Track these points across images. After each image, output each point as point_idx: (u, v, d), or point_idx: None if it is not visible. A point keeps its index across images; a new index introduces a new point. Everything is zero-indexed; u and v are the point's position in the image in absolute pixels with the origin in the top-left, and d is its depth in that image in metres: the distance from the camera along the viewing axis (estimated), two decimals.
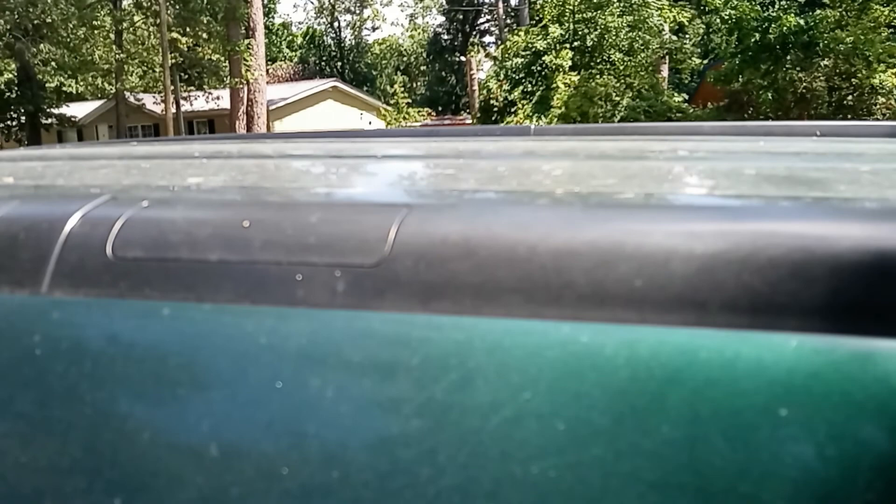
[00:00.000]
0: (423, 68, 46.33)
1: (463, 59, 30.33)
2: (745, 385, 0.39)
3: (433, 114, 27.57)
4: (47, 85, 22.19)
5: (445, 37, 44.74)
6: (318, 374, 0.44)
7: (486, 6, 42.65)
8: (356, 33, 47.81)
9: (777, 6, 14.87)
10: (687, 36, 22.36)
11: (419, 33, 47.46)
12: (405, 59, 47.25)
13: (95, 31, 20.42)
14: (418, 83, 45.37)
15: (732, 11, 13.30)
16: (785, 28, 12.62)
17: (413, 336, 0.44)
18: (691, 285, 0.41)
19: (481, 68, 23.17)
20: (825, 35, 12.57)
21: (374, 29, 50.49)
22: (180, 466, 0.45)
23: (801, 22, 12.73)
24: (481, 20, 44.00)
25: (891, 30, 13.06)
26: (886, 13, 12.72)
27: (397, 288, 0.45)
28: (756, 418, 0.38)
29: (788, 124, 1.47)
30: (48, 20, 18.41)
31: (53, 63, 20.40)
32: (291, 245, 0.48)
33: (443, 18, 45.68)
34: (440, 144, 1.19)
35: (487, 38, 42.84)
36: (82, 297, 0.50)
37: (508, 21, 35.30)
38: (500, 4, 37.28)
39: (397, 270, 0.46)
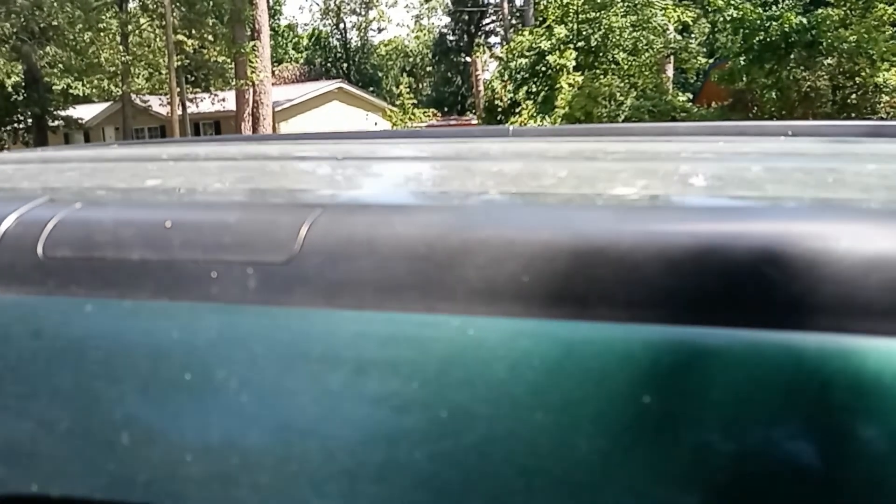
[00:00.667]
0: (428, 69, 46.36)
1: (468, 59, 30.35)
2: (616, 375, 0.41)
3: (439, 115, 27.59)
4: (54, 87, 22.27)
5: (451, 37, 44.75)
6: (226, 366, 0.47)
7: (491, 7, 42.68)
8: (362, 34, 47.89)
9: (780, 5, 14.84)
10: (692, 35, 22.34)
11: (425, 34, 47.49)
12: (411, 60, 47.30)
13: (102, 34, 20.50)
14: (424, 84, 45.40)
15: (735, 11, 13.28)
16: (787, 27, 12.59)
17: (314, 330, 0.46)
18: (572, 281, 0.43)
19: (487, 69, 23.15)
20: (828, 34, 12.54)
21: (379, 30, 50.65)
22: (93, 458, 0.47)
23: (804, 21, 12.71)
24: (487, 21, 44.03)
25: (895, 28, 13.03)
26: (890, 11, 12.68)
27: (305, 284, 0.48)
28: (624, 406, 0.40)
29: (761, 124, 1.49)
30: (54, 23, 18.50)
31: (60, 65, 20.49)
32: (208, 244, 0.50)
33: (448, 19, 45.70)
34: (402, 148, 1.22)
35: (493, 39, 42.88)
36: (14, 296, 0.52)
37: (514, 21, 35.31)
38: (506, 5, 37.30)
39: (305, 268, 0.48)
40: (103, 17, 20.48)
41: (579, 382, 0.41)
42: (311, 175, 0.90)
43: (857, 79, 12.74)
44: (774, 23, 12.79)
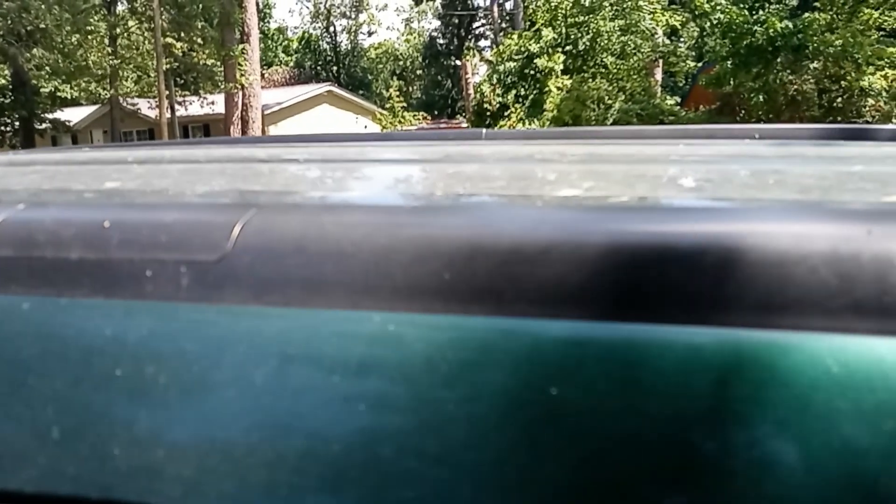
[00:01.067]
0: (419, 72, 46.41)
1: (459, 63, 30.39)
2: (528, 368, 0.42)
3: (429, 118, 27.63)
4: (42, 90, 22.21)
5: (441, 41, 44.82)
6: (154, 363, 0.48)
7: (481, 10, 42.76)
8: (352, 38, 47.88)
9: (766, 10, 14.93)
10: (682, 39, 22.45)
11: (415, 38, 47.54)
12: (401, 63, 47.33)
13: (90, 37, 20.46)
14: (414, 87, 45.44)
15: (721, 15, 13.36)
16: (772, 31, 12.68)
17: (242, 327, 0.48)
18: (491, 278, 0.44)
19: (477, 72, 23.18)
20: (815, 38, 12.63)
21: (369, 33, 50.65)
22: (22, 454, 0.48)
23: (790, 25, 12.79)
24: (477, 24, 44.11)
25: (881, 32, 13.13)
26: (876, 16, 12.78)
27: (235, 282, 0.49)
28: (535, 398, 0.42)
29: (730, 127, 1.52)
30: (42, 25, 18.45)
31: (48, 68, 20.44)
32: (144, 243, 0.51)
33: (438, 23, 45.76)
34: (366, 150, 1.23)
35: (483, 43, 42.95)
36: None
37: (504, 25, 35.36)
38: (495, 9, 37.37)
39: (236, 266, 0.49)
40: (91, 20, 20.43)
41: (492, 375, 0.43)
42: (263, 177, 0.91)
43: (842, 82, 12.83)
44: (760, 27, 12.87)
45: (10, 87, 21.40)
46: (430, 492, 0.42)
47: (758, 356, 0.40)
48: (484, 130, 1.55)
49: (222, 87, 21.80)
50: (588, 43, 16.88)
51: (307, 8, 49.83)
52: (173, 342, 0.48)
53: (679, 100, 18.17)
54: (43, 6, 18.12)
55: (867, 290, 0.39)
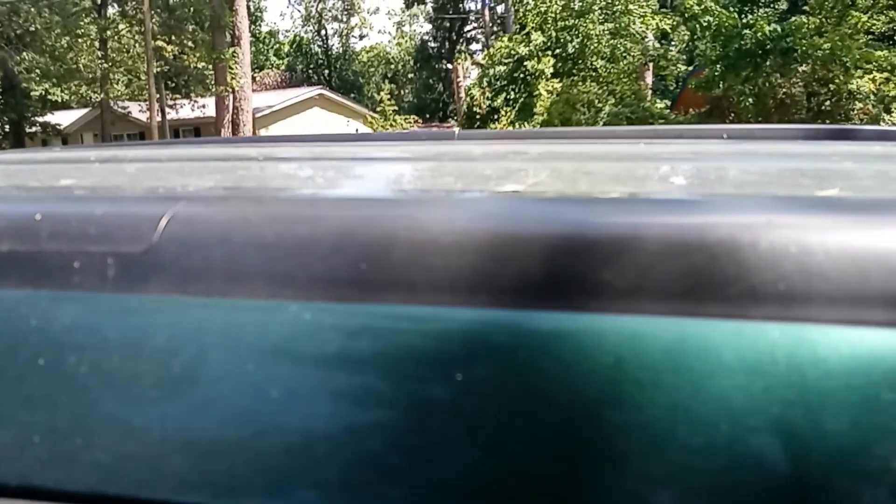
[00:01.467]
0: (410, 76, 46.44)
1: (450, 66, 30.43)
2: (437, 353, 0.44)
3: (420, 121, 27.62)
4: (32, 93, 22.16)
5: (432, 44, 44.88)
6: (76, 353, 0.49)
7: (472, 14, 42.85)
8: (343, 41, 47.91)
9: (757, 13, 14.99)
10: (673, 43, 22.53)
11: (406, 41, 47.58)
12: (392, 66, 47.36)
13: (80, 40, 20.43)
14: (406, 91, 45.47)
15: (710, 18, 13.42)
16: (761, 35, 12.74)
17: (163, 317, 0.48)
18: (405, 268, 0.45)
19: (468, 76, 23.20)
20: (803, 41, 12.69)
21: (361, 37, 50.67)
22: None
23: (779, 28, 12.85)
24: (468, 28, 44.18)
25: (869, 36, 13.21)
26: (864, 20, 12.86)
27: (160, 273, 0.49)
28: (442, 383, 0.43)
29: (699, 128, 1.53)
30: (32, 28, 18.42)
31: (38, 71, 20.39)
32: (74, 235, 0.52)
33: (430, 26, 45.82)
34: (330, 149, 1.24)
35: (475, 46, 42.99)
36: None
37: (495, 29, 35.46)
38: (487, 12, 37.46)
39: (161, 257, 0.50)
40: (81, 23, 20.41)
41: (402, 361, 0.44)
42: (218, 174, 0.92)
43: (831, 86, 12.89)
44: (748, 30, 12.94)
45: (0, 90, 21.34)
46: (337, 472, 0.44)
47: (658, 343, 0.41)
48: (457, 130, 1.56)
49: (213, 90, 21.77)
50: (577, 46, 16.93)
51: (298, 11, 49.84)
52: (97, 332, 0.49)
53: (669, 103, 18.23)
54: (33, 9, 18.09)
55: (763, 277, 0.41)
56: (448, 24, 43.51)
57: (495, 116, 17.14)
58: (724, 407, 0.39)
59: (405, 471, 0.43)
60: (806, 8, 13.57)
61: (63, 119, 24.75)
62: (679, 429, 0.40)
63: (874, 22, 13.11)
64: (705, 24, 13.59)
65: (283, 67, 45.25)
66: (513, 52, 17.10)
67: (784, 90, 13.25)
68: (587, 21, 16.77)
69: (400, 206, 0.51)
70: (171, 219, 0.51)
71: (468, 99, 18.65)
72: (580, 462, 0.41)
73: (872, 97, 12.64)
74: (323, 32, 47.49)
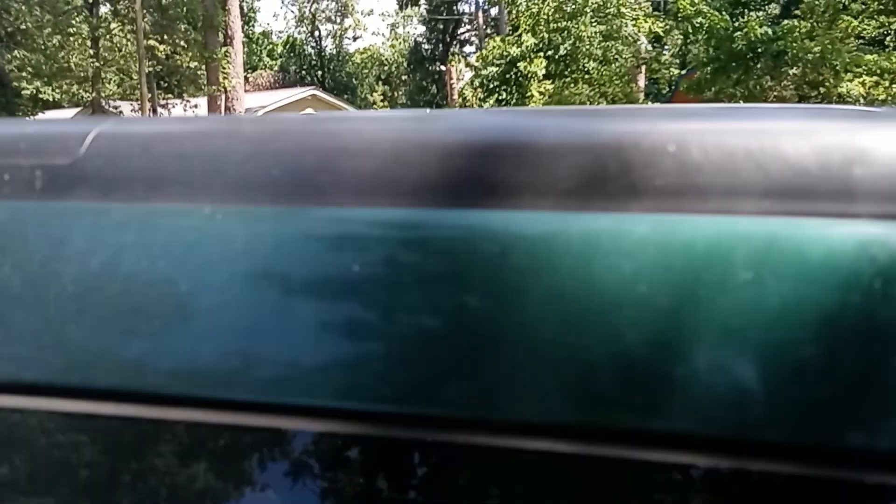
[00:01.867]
0: (403, 77, 46.52)
1: (444, 68, 30.50)
2: (345, 252, 0.46)
3: None
4: (23, 92, 22.12)
5: (426, 46, 44.97)
6: (5, 254, 0.52)
7: (466, 16, 42.97)
8: (337, 43, 47.98)
9: (749, 16, 15.08)
10: (666, 46, 22.63)
11: (400, 43, 47.67)
12: (386, 68, 47.44)
13: (71, 38, 20.42)
14: (399, 92, 45.55)
15: (703, 20, 13.48)
16: (752, 37, 12.80)
17: (86, 221, 0.51)
18: (314, 173, 0.48)
19: (462, 77, 23.25)
20: (794, 45, 12.75)
21: (354, 38, 50.73)
22: None
23: (770, 31, 12.92)
24: (462, 30, 44.30)
25: (859, 40, 13.29)
26: (855, 24, 12.93)
27: (85, 183, 0.52)
28: (350, 279, 0.45)
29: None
30: (22, 27, 18.41)
31: (29, 69, 20.36)
32: (5, 150, 0.55)
33: (423, 28, 45.93)
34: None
35: (468, 48, 43.12)
36: None
37: (488, 31, 35.55)
38: (480, 14, 37.59)
39: (87, 169, 0.53)
40: (73, 22, 20.40)
41: (308, 259, 0.47)
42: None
43: (821, 89, 12.95)
44: (739, 32, 13.00)
45: None
46: (237, 351, 0.46)
47: (551, 235, 0.43)
48: (428, 110, 1.58)
49: (205, 90, 21.79)
50: (569, 48, 16.98)
51: (292, 12, 49.95)
52: (24, 237, 0.52)
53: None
54: (23, 7, 18.08)
55: (643, 173, 0.43)
56: (442, 27, 43.63)
57: None
58: (599, 287, 0.41)
59: (298, 358, 0.45)
60: (797, 12, 13.64)
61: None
62: (556, 306, 0.42)
63: (865, 26, 13.19)
64: (697, 24, 13.65)
65: (276, 68, 45.29)
66: (505, 53, 17.14)
67: (775, 93, 13.31)
68: (579, 23, 16.82)
69: (312, 123, 0.54)
70: (98, 135, 0.54)
71: (461, 100, 18.70)
72: (469, 346, 0.43)
73: (862, 100, 12.71)
74: (316, 33, 47.57)
